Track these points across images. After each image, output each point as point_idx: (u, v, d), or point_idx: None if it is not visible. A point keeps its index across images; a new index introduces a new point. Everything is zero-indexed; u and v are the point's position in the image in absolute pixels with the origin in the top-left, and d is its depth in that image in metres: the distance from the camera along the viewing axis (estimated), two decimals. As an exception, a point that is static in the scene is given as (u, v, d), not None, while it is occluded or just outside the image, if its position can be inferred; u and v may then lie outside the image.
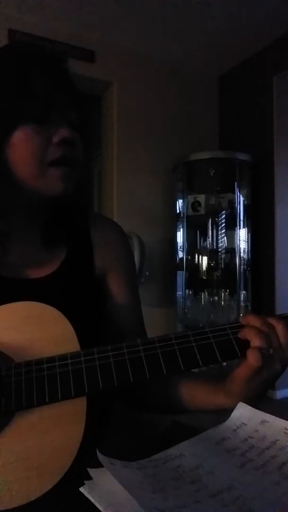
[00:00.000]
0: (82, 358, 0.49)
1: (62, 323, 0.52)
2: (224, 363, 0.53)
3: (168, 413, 0.67)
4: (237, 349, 0.51)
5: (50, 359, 0.49)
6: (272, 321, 0.52)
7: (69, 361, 0.49)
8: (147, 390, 0.65)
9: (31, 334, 0.51)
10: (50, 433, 0.46)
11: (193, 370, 0.52)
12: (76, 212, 0.68)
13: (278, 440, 0.47)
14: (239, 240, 2.77)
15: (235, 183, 2.76)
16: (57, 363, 0.49)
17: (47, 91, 0.56)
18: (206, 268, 2.83)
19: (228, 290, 2.75)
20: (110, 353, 0.50)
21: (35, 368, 0.48)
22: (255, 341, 0.50)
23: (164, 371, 0.50)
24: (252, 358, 0.49)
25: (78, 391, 0.47)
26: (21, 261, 0.62)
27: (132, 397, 0.69)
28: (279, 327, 0.51)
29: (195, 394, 0.60)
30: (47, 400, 0.47)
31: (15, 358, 0.49)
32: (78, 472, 0.40)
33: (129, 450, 0.46)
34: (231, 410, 0.50)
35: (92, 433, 0.48)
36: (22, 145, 0.55)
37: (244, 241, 2.80)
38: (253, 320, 0.52)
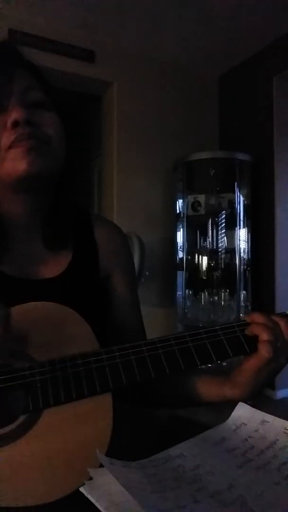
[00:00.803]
0: (104, 356, 0.51)
1: (79, 323, 0.53)
2: (225, 363, 0.55)
3: (175, 408, 0.69)
4: (245, 345, 0.55)
5: (73, 358, 0.50)
6: (275, 318, 0.56)
7: (92, 359, 0.50)
8: (155, 387, 0.66)
9: (49, 334, 0.52)
10: (80, 429, 0.47)
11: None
12: (77, 211, 0.69)
13: (278, 440, 0.47)
14: (239, 240, 2.77)
15: (235, 183, 2.76)
16: (80, 361, 0.50)
17: None
18: (206, 268, 2.83)
19: (228, 290, 2.75)
20: (130, 351, 0.52)
21: (59, 367, 0.49)
22: (264, 335, 0.53)
23: (182, 367, 0.52)
24: (264, 350, 0.53)
25: (104, 388, 0.49)
26: (29, 262, 0.63)
27: (135, 394, 0.69)
28: (282, 324, 0.55)
29: (202, 388, 0.62)
30: (74, 397, 0.48)
31: (36, 358, 0.50)
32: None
33: (128, 443, 0.47)
34: (236, 400, 0.54)
35: None
36: None
37: (244, 241, 2.80)
38: (259, 318, 0.56)
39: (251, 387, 0.56)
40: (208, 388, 0.61)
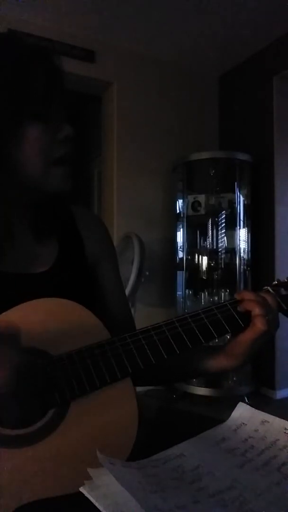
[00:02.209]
0: (118, 344, 0.53)
1: (86, 315, 0.55)
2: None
3: (174, 382, 0.73)
4: (239, 321, 0.59)
5: (89, 348, 0.52)
6: (262, 294, 0.61)
7: (107, 347, 0.53)
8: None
9: (58, 329, 0.53)
10: (109, 414, 0.49)
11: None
12: (61, 206, 0.70)
13: (278, 440, 0.47)
14: (239, 240, 2.77)
15: (235, 183, 2.75)
16: (96, 351, 0.52)
17: (47, 89, 0.57)
18: (206, 268, 2.83)
19: (228, 290, 2.75)
20: (141, 336, 0.55)
21: (78, 359, 0.51)
22: (257, 310, 0.57)
23: (189, 346, 0.56)
24: (260, 323, 0.57)
25: (123, 372, 0.52)
26: (20, 257, 0.63)
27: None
28: (269, 299, 0.60)
29: (202, 361, 0.66)
30: (98, 385, 0.50)
31: (52, 353, 0.51)
32: None
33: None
34: (232, 369, 0.62)
35: None
36: (30, 144, 0.56)
37: (244, 241, 2.80)
38: (248, 295, 0.60)
39: (246, 356, 0.61)
40: (207, 361, 0.65)
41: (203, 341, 0.56)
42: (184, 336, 0.56)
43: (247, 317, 0.59)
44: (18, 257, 0.63)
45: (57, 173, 0.59)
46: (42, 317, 0.53)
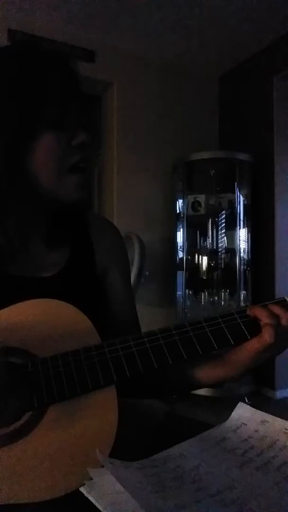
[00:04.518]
0: (106, 349, 0.51)
1: (79, 318, 0.54)
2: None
3: (169, 395, 0.70)
4: (246, 332, 0.54)
5: (75, 352, 0.50)
6: (274, 305, 0.56)
7: (94, 352, 0.51)
8: (153, 375, 0.66)
9: (50, 330, 0.52)
10: (86, 422, 0.47)
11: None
12: (77, 213, 0.70)
13: (278, 440, 0.47)
14: (239, 240, 2.77)
15: (235, 183, 2.75)
16: (82, 356, 0.50)
17: (62, 96, 0.56)
18: (206, 268, 2.83)
19: (228, 290, 2.75)
20: (132, 343, 0.52)
21: (62, 362, 0.49)
22: (265, 318, 0.53)
23: (184, 356, 0.52)
24: (267, 335, 0.52)
25: (107, 380, 0.49)
26: (29, 261, 0.63)
27: (131, 385, 0.70)
28: (280, 310, 0.55)
29: (197, 372, 0.62)
30: (78, 391, 0.48)
31: (38, 354, 0.50)
32: None
33: (125, 441, 0.47)
34: (228, 380, 0.58)
35: None
36: (45, 151, 0.56)
37: (244, 241, 2.79)
38: (260, 312, 0.55)
39: (246, 368, 0.57)
40: (203, 370, 0.62)
41: (200, 352, 0.53)
42: (180, 346, 0.52)
43: (255, 329, 0.54)
44: (27, 262, 0.63)
45: (72, 181, 0.58)
46: (34, 318, 0.52)
